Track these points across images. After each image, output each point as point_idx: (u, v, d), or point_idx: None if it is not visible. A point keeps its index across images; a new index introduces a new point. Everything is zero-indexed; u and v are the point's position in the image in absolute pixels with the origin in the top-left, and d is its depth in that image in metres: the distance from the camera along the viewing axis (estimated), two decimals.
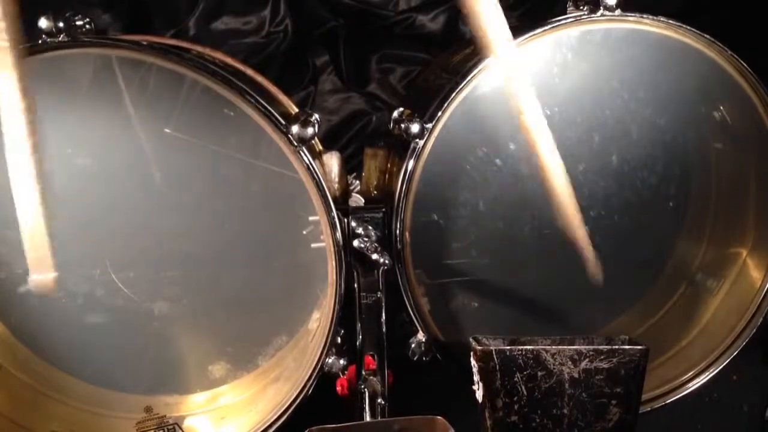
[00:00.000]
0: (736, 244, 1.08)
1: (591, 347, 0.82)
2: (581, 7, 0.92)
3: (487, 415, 0.83)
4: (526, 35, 0.88)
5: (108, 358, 1.00)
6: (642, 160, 1.02)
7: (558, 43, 0.93)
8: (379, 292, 0.90)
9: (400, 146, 0.94)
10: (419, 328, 0.96)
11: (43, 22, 0.80)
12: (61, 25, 0.80)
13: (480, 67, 0.88)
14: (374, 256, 0.90)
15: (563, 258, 1.04)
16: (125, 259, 0.95)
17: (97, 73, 0.88)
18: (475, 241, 1.01)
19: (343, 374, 0.91)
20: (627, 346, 0.84)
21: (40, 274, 0.77)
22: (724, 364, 1.04)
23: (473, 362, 0.83)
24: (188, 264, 0.97)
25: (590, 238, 0.90)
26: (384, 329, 0.89)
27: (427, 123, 0.89)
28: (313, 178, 0.84)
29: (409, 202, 0.91)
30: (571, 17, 0.91)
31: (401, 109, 0.94)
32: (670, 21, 0.92)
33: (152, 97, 0.90)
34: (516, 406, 0.82)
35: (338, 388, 0.91)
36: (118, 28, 1.38)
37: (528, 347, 0.82)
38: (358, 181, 1.18)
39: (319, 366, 0.90)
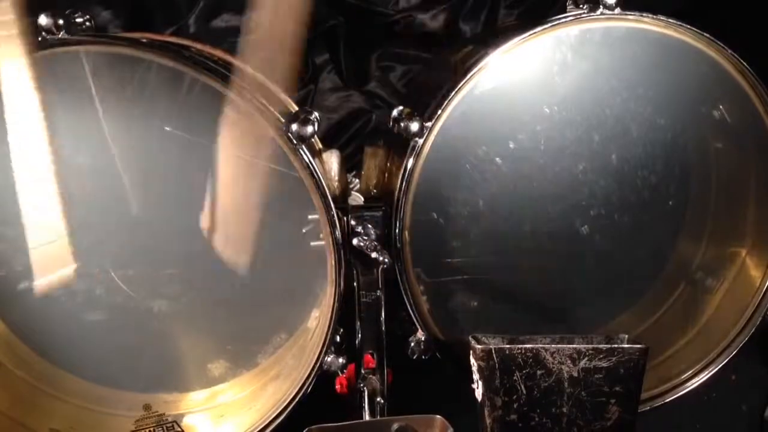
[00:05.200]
0: (736, 243, 1.08)
1: (590, 346, 0.82)
2: (581, 6, 0.92)
3: (486, 413, 0.83)
4: (526, 34, 0.88)
5: (107, 356, 1.00)
6: (641, 159, 1.02)
7: (558, 42, 0.93)
8: (378, 291, 0.90)
9: (400, 145, 0.94)
10: (419, 326, 0.96)
11: (43, 20, 0.80)
12: (61, 22, 0.80)
13: (480, 65, 0.88)
14: (374, 255, 0.90)
15: (563, 257, 1.04)
16: (125, 257, 0.95)
17: (96, 71, 0.88)
18: (474, 239, 1.01)
19: (343, 373, 0.91)
20: (626, 345, 0.84)
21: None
22: (723, 363, 1.04)
23: (473, 361, 0.83)
24: (187, 262, 0.97)
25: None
26: (383, 328, 0.89)
27: (426, 122, 0.89)
28: (313, 176, 0.84)
29: (409, 200, 0.91)
30: (570, 16, 0.91)
31: (401, 107, 0.94)
32: (670, 20, 0.92)
33: (152, 95, 0.90)
34: (515, 405, 0.82)
35: (337, 387, 0.91)
36: (118, 25, 1.38)
37: (527, 346, 0.82)
38: (357, 180, 1.18)
39: (318, 364, 0.90)
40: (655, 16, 0.92)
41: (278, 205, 0.96)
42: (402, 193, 0.91)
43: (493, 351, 0.81)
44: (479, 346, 0.82)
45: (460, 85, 0.88)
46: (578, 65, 0.95)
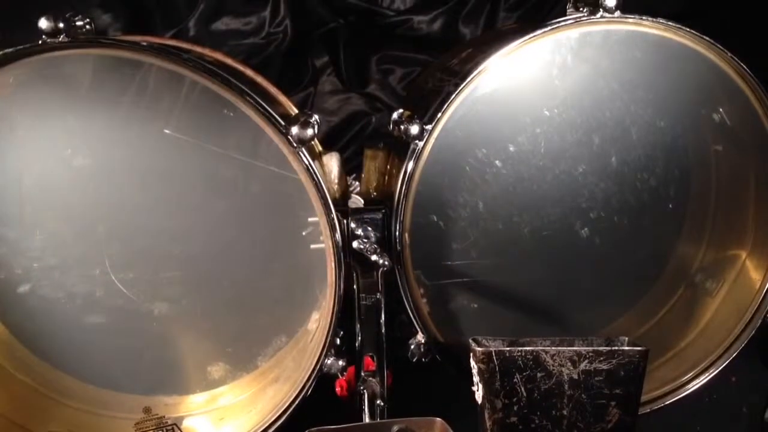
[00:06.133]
0: (736, 245, 1.08)
1: (590, 348, 0.82)
2: (581, 9, 0.92)
3: (486, 416, 0.83)
4: (526, 37, 0.88)
5: (107, 359, 1.00)
6: (641, 162, 1.02)
7: (558, 45, 0.93)
8: (378, 293, 0.90)
9: (400, 147, 0.94)
10: (418, 329, 0.96)
11: (44, 23, 0.80)
12: (61, 25, 0.80)
13: (480, 68, 0.88)
14: (373, 257, 0.90)
15: (563, 259, 1.04)
16: (125, 260, 0.95)
17: (96, 74, 0.88)
18: (474, 242, 1.01)
19: (343, 375, 0.91)
20: (626, 348, 0.84)
21: None
22: (724, 365, 1.04)
23: (473, 363, 0.83)
24: (188, 264, 0.97)
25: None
26: (383, 330, 0.89)
27: (426, 124, 0.89)
28: (313, 179, 0.84)
29: (409, 203, 0.91)
30: (570, 19, 0.91)
31: (401, 110, 0.94)
32: (670, 23, 0.92)
33: (152, 98, 0.90)
34: (515, 407, 0.82)
35: (337, 389, 0.91)
36: (118, 28, 1.39)
37: (527, 348, 0.82)
38: (357, 183, 1.18)
39: (318, 367, 0.90)
40: (654, 19, 0.92)
41: (278, 208, 0.97)
42: (402, 195, 0.91)
43: (493, 353, 0.81)
44: (479, 349, 0.82)
45: (460, 88, 0.88)
46: (578, 68, 0.95)
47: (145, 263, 0.96)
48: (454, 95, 0.88)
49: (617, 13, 0.90)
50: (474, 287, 1.03)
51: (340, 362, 0.91)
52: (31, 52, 0.81)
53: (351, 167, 1.27)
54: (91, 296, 0.96)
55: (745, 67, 0.94)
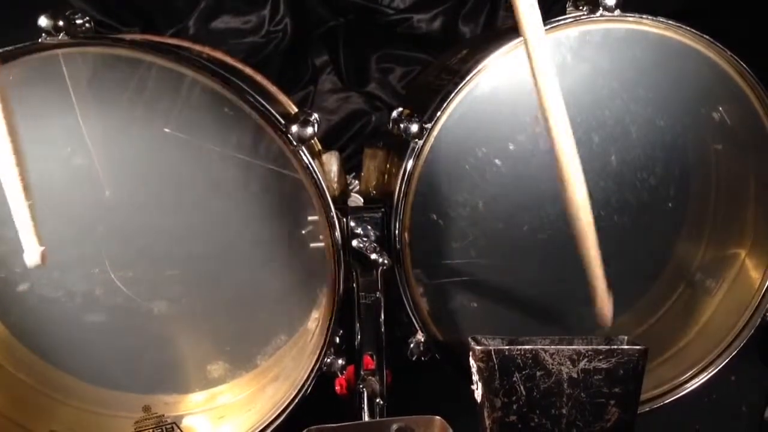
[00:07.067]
0: (735, 244, 1.08)
1: (590, 347, 0.82)
2: (580, 8, 0.92)
3: (485, 414, 0.83)
4: None
5: (107, 358, 1.00)
6: (641, 161, 1.02)
7: (557, 44, 0.93)
8: (378, 292, 0.90)
9: (400, 146, 0.94)
10: (418, 328, 0.96)
11: (43, 21, 0.80)
12: (60, 23, 0.80)
13: (479, 67, 0.88)
14: (373, 256, 0.90)
15: (563, 257, 1.04)
16: (124, 259, 0.95)
17: (96, 72, 0.88)
18: (474, 241, 1.01)
19: (342, 374, 0.91)
20: (626, 347, 0.84)
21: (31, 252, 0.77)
22: (723, 364, 1.04)
23: (472, 362, 0.83)
24: (187, 263, 0.97)
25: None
26: (383, 329, 0.89)
27: (426, 123, 0.89)
28: (312, 177, 0.84)
29: (408, 202, 0.91)
30: (570, 17, 0.91)
31: (400, 109, 0.94)
32: (670, 21, 0.92)
33: (152, 97, 0.90)
34: (515, 406, 0.82)
35: (337, 388, 0.91)
36: (119, 27, 1.38)
37: (527, 347, 0.82)
38: (357, 181, 1.18)
39: (317, 365, 0.90)
40: (654, 18, 0.92)
41: (278, 207, 0.97)
42: (401, 194, 0.91)
43: (493, 352, 0.81)
44: (478, 347, 0.82)
45: (459, 87, 0.88)
46: (578, 67, 0.95)
47: (145, 262, 0.96)
48: (453, 94, 0.89)
49: (617, 12, 0.90)
50: (473, 286, 1.03)
51: (340, 361, 0.91)
52: (31, 50, 0.81)
53: (351, 166, 1.27)
54: (91, 295, 0.96)
55: (744, 65, 0.94)
